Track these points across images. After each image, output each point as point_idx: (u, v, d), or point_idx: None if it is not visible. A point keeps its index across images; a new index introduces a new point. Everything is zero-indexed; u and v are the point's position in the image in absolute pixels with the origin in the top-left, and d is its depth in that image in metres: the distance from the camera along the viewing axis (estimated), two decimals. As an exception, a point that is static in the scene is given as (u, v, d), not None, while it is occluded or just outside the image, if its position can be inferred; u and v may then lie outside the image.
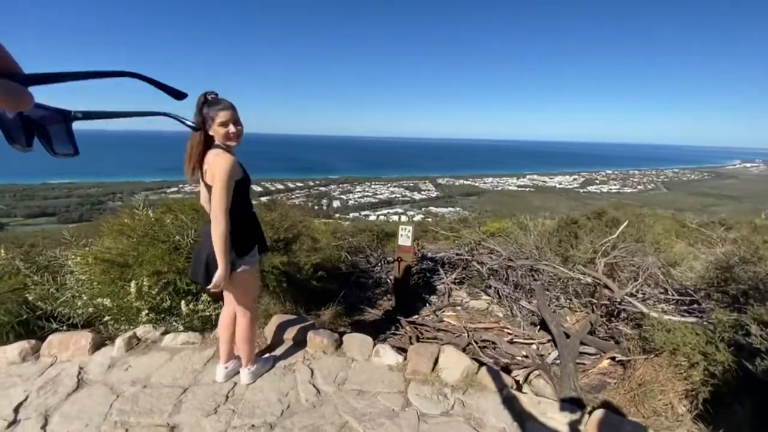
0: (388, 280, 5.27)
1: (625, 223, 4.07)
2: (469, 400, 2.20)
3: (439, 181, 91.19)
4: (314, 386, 2.28)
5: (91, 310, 2.83)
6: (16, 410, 2.01)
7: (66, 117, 0.49)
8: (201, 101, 1.76)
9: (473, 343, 3.40)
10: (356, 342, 2.68)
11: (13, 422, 1.94)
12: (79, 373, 2.30)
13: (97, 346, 2.56)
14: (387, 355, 2.55)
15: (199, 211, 3.22)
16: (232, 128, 1.79)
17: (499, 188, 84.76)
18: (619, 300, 3.04)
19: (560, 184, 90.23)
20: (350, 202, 65.81)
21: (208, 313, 2.89)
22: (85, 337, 2.52)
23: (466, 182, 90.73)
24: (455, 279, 4.99)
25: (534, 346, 3.39)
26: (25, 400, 2.09)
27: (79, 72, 0.40)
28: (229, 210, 1.78)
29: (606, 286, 3.19)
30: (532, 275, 4.42)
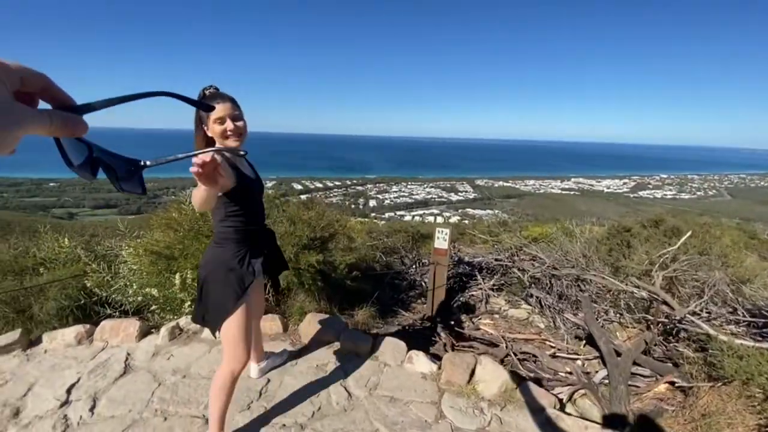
0: (423, 283, 5.17)
1: (688, 234, 3.69)
2: (507, 417, 2.07)
3: (477, 182, 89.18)
4: (346, 389, 2.25)
5: (140, 298, 2.98)
6: (69, 391, 2.15)
7: (137, 167, 0.52)
8: (199, 97, 1.54)
9: (512, 354, 3.22)
10: (389, 346, 2.62)
11: (65, 402, 2.07)
12: (127, 358, 2.43)
13: (143, 333, 2.69)
14: (420, 362, 2.47)
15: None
16: (229, 125, 1.51)
17: (542, 191, 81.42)
18: (679, 318, 2.75)
19: (608, 188, 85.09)
20: (386, 201, 66.06)
21: (245, 308, 2.95)
22: (133, 325, 2.66)
23: (505, 184, 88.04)
24: (494, 285, 4.79)
25: (579, 362, 3.15)
26: (77, 381, 2.23)
27: (123, 96, 0.44)
28: (224, 220, 1.59)
29: (664, 302, 2.90)
30: (578, 285, 4.14)
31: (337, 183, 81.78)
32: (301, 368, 2.43)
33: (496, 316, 4.21)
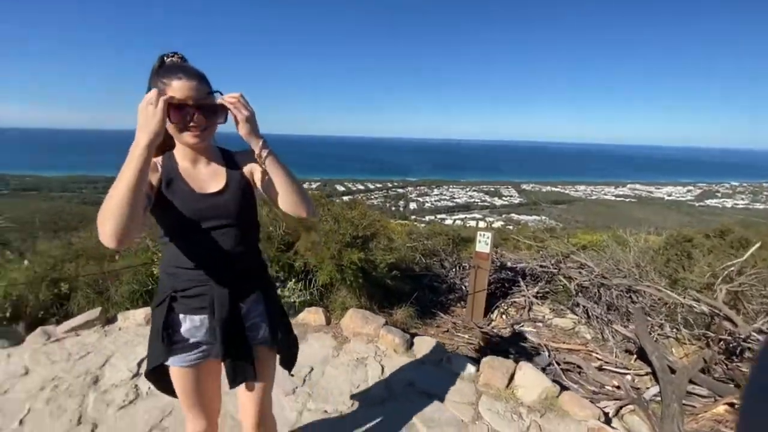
0: (463, 287, 5.13)
1: (757, 245, 3.37)
2: (547, 425, 2.03)
3: (524, 186, 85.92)
4: (384, 383, 2.32)
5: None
6: (139, 365, 2.41)
7: None
8: (154, 67, 1.09)
9: (555, 363, 3.13)
10: (427, 345, 2.66)
11: (136, 374, 2.33)
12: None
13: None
14: (458, 363, 2.48)
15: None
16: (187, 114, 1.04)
17: (594, 197, 76.77)
18: (743, 336, 2.53)
19: (670, 195, 78.40)
20: (426, 204, 65.62)
21: (292, 300, 3.13)
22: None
23: (554, 189, 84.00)
24: (537, 293, 4.65)
25: (629, 377, 2.99)
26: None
27: None
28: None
29: (727, 318, 2.68)
30: (630, 297, 3.91)
31: (378, 185, 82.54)
32: (342, 360, 2.53)
33: (540, 324, 4.09)
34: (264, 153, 1.09)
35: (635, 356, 3.23)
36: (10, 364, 2.38)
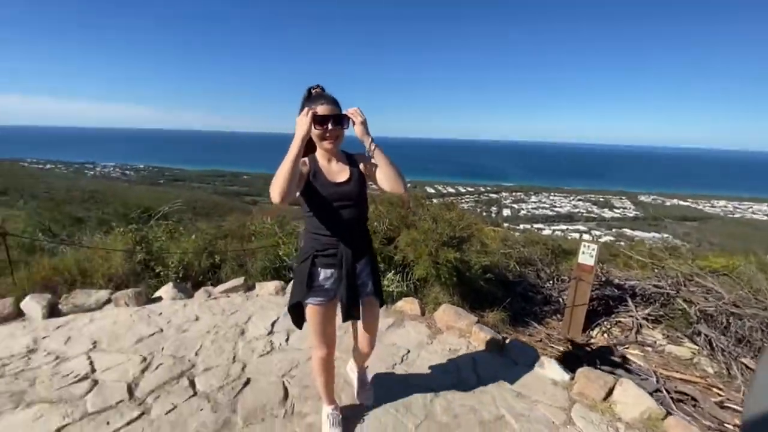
0: (560, 299, 4.91)
1: None
2: (647, 444, 1.97)
3: (642, 198, 74.67)
4: (475, 374, 2.48)
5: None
6: (272, 325, 2.99)
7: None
8: (304, 96, 1.60)
9: (664, 390, 2.89)
10: (520, 348, 2.73)
11: (270, 332, 2.90)
12: (306, 311, 3.19)
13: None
14: (552, 368, 2.51)
15: (393, 204, 3.86)
16: (328, 127, 1.54)
17: (737, 215, 63.03)
18: None
19: None
20: (522, 212, 61.72)
21: (391, 289, 3.47)
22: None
23: (682, 203, 71.22)
24: (649, 315, 4.23)
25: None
26: (277, 320, 3.07)
27: None
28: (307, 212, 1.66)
29: None
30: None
31: (469, 189, 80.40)
32: (435, 348, 2.77)
33: (649, 349, 3.75)
34: (372, 146, 1.59)
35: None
36: (186, 311, 3.18)
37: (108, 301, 3.21)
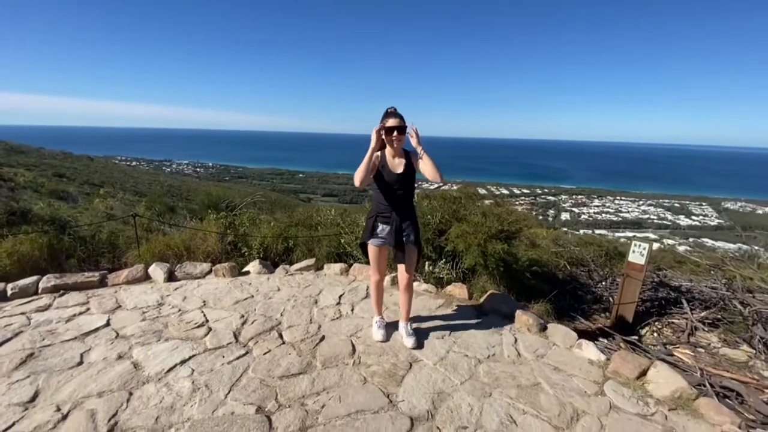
0: (611, 299, 4.95)
1: None
2: (675, 417, 2.17)
3: (727, 204, 66.55)
4: (516, 350, 2.79)
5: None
6: (339, 297, 3.53)
7: None
8: (383, 114, 2.59)
9: (708, 385, 2.96)
10: (560, 331, 2.98)
11: (338, 303, 3.43)
12: (367, 289, 3.69)
13: (375, 277, 3.95)
14: (589, 350, 2.74)
15: (446, 199, 4.23)
16: (394, 134, 2.52)
17: None
18: None
19: None
20: (582, 216, 58.08)
21: (442, 276, 3.86)
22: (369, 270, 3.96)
23: (778, 211, 62.39)
24: (705, 318, 4.17)
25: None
26: (342, 294, 3.60)
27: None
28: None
29: None
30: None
31: (525, 191, 77.19)
32: (481, 327, 3.11)
33: (701, 350, 3.74)
34: (421, 152, 2.55)
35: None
36: (269, 283, 3.83)
37: (209, 272, 3.97)
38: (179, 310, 3.20)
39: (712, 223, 56.09)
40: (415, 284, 3.82)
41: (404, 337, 2.80)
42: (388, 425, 2.00)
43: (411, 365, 2.55)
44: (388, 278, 3.85)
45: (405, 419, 2.05)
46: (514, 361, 2.67)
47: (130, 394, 2.17)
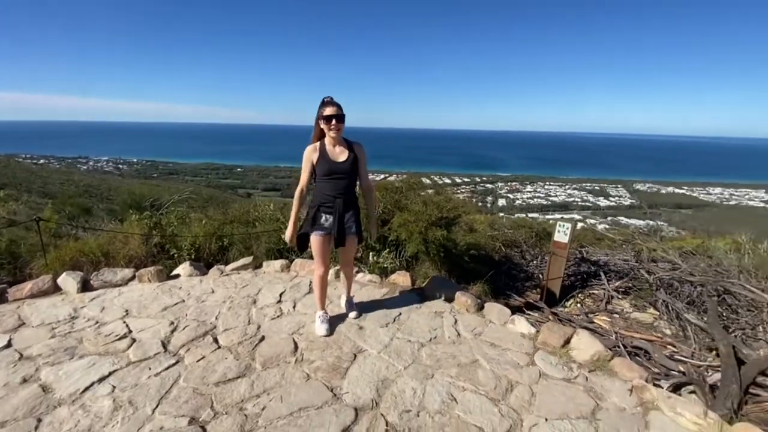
0: (540, 275, 5.35)
1: None
2: (594, 378, 2.40)
3: (637, 186, 75.31)
4: (456, 330, 2.91)
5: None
6: (280, 295, 3.40)
7: None
8: (321, 103, 2.58)
9: (621, 346, 3.32)
10: (495, 309, 3.15)
11: (279, 301, 3.31)
12: (310, 284, 3.60)
13: (318, 271, 3.87)
14: (521, 324, 2.93)
15: (388, 189, 4.25)
16: (332, 122, 2.50)
17: (732, 202, 63.86)
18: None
19: None
20: (517, 202, 62.26)
21: (386, 265, 3.88)
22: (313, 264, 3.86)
23: (678, 191, 71.93)
24: (619, 287, 4.68)
25: (703, 369, 3.05)
26: (283, 292, 3.48)
27: None
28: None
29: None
30: (723, 298, 3.79)
31: (465, 179, 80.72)
32: (423, 311, 3.18)
33: (616, 316, 4.19)
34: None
35: (716, 353, 3.23)
36: (202, 285, 3.58)
37: (132, 277, 3.61)
38: (96, 322, 2.87)
39: (626, 203, 63.17)
40: (360, 275, 3.80)
41: (349, 313, 3.04)
42: (332, 419, 1.98)
43: (355, 356, 2.54)
44: (332, 272, 3.79)
45: (349, 410, 2.04)
46: (454, 341, 2.77)
47: (39, 420, 1.91)
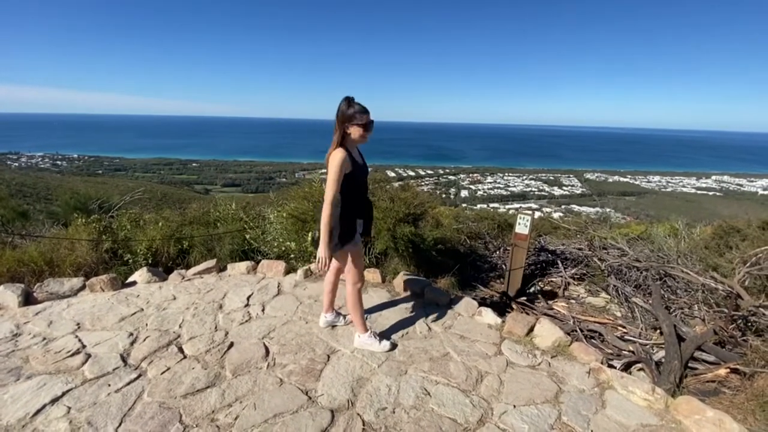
0: (503, 266, 5.58)
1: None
2: (556, 363, 2.56)
3: (587, 176, 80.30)
4: (426, 325, 2.97)
5: (282, 249, 4.13)
6: (248, 299, 3.30)
7: None
8: (345, 102, 2.25)
9: (578, 330, 3.56)
10: (463, 302, 3.26)
11: (247, 305, 3.21)
12: (278, 285, 3.53)
13: (287, 271, 3.80)
14: (488, 316, 3.06)
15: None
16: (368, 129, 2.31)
17: (669, 189, 69.84)
18: (748, 311, 2.80)
19: (766, 189, 68.79)
20: (479, 192, 64.28)
21: (354, 263, 3.87)
22: (281, 265, 3.79)
23: (623, 179, 77.51)
24: (574, 274, 4.99)
25: (649, 347, 3.35)
26: (251, 295, 3.38)
27: None
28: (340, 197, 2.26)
29: (739, 295, 2.94)
30: (665, 281, 4.15)
31: (429, 172, 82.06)
32: (394, 309, 3.22)
33: (573, 301, 4.47)
34: None
35: (659, 331, 3.55)
36: (162, 292, 3.39)
37: (82, 287, 3.35)
38: (44, 338, 2.64)
39: (578, 192, 67.18)
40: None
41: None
42: (309, 422, 1.97)
43: (329, 357, 2.53)
44: (300, 272, 3.74)
45: (326, 413, 2.04)
46: (425, 335, 2.84)
47: (-18, 453, 1.74)
